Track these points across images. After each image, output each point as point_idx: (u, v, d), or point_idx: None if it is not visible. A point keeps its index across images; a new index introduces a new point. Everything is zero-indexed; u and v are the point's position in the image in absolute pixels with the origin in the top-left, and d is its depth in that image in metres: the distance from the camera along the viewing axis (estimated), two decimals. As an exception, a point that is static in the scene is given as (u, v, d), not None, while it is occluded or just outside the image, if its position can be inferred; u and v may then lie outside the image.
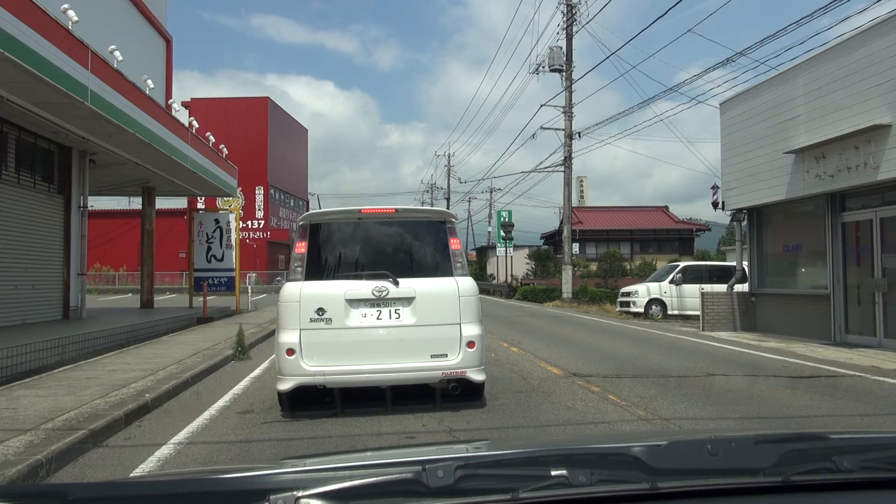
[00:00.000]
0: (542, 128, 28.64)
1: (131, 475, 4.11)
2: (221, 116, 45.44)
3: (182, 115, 16.19)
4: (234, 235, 18.84)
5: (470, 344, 5.72)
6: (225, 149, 19.11)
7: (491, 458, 1.52)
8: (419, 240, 6.11)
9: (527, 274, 40.06)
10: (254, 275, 42.08)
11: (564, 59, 26.90)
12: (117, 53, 11.11)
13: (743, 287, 15.24)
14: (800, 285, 13.63)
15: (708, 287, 16.95)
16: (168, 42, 18.60)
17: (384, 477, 1.24)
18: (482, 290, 10.03)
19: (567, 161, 27.18)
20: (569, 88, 26.91)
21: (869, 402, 6.63)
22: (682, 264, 21.66)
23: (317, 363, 5.54)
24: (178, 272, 40.93)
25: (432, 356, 5.67)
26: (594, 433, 5.36)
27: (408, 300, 5.72)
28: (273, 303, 11.72)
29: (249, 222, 48.83)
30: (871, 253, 11.43)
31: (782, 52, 27.54)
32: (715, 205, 15.75)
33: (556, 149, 30.52)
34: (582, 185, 57.79)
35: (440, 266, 5.97)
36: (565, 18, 26.75)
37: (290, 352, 5.55)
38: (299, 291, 5.65)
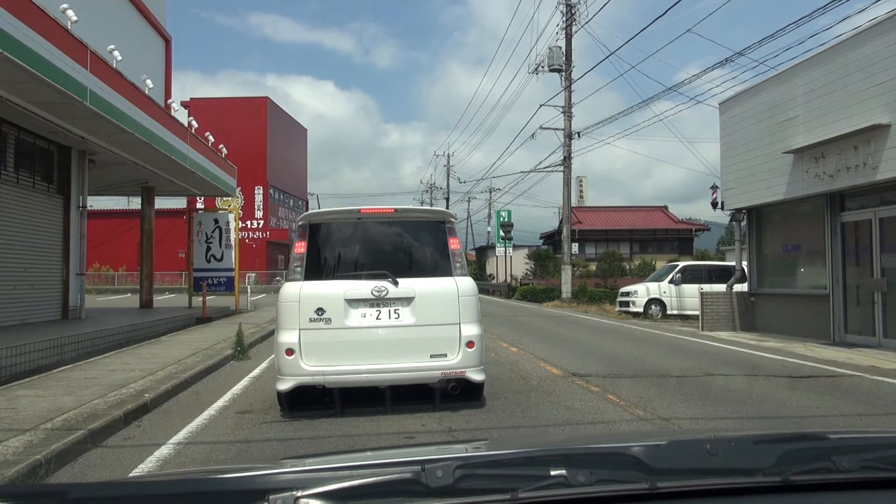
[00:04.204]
0: (541, 128, 28.65)
1: (130, 475, 4.11)
2: (221, 116, 45.36)
3: (181, 115, 16.19)
4: (233, 235, 18.84)
5: (469, 344, 5.72)
6: (224, 148, 19.10)
7: (490, 457, 1.52)
8: (418, 240, 6.11)
9: (526, 274, 40.05)
10: (253, 275, 42.09)
11: (564, 59, 26.90)
12: (116, 53, 11.10)
13: (742, 287, 15.25)
14: (799, 285, 13.64)
15: (707, 287, 16.96)
16: (167, 41, 18.59)
17: (383, 477, 1.24)
18: (481, 290, 10.04)
19: (566, 161, 27.18)
20: (568, 88, 26.91)
21: (868, 402, 6.63)
22: (681, 264, 21.65)
23: (316, 363, 5.54)
24: (178, 272, 40.91)
25: (431, 356, 5.67)
26: (593, 433, 5.36)
27: (407, 300, 5.72)
28: (272, 303, 11.72)
29: (249, 222, 48.80)
30: (870, 253, 11.44)
31: (781, 52, 27.56)
32: (714, 205, 15.77)
33: (556, 149, 30.53)
34: (581, 185, 57.70)
35: (439, 266, 5.97)
36: (564, 18, 26.77)
37: (290, 352, 5.54)
38: (299, 291, 5.65)
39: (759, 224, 14.82)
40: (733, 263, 16.73)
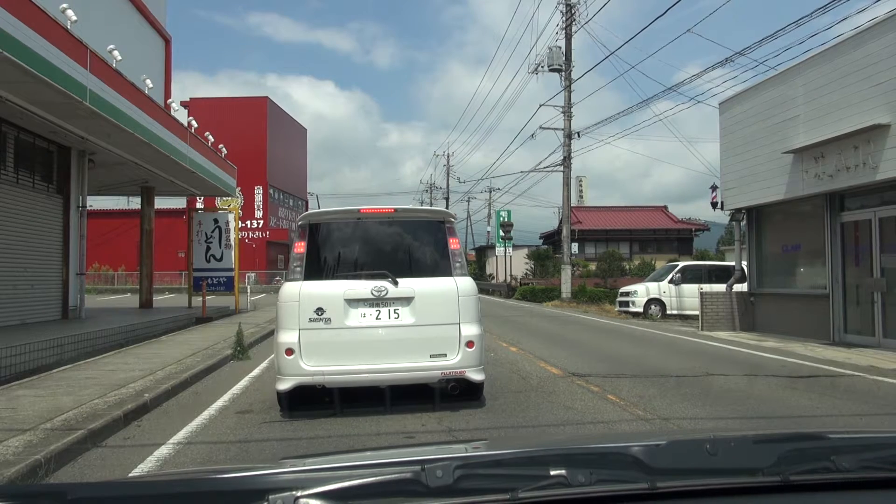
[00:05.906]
0: (541, 127, 28.64)
1: (130, 475, 4.11)
2: (220, 116, 45.30)
3: (181, 115, 16.19)
4: (233, 235, 18.84)
5: (469, 344, 5.72)
6: (224, 148, 19.10)
7: (490, 457, 1.52)
8: (418, 240, 6.11)
9: (526, 274, 40.05)
10: (253, 274, 42.09)
11: (563, 58, 26.89)
12: (116, 53, 11.10)
13: (742, 287, 15.25)
14: (799, 285, 13.64)
15: (707, 287, 16.95)
16: (167, 41, 18.59)
17: (383, 477, 1.24)
18: (481, 290, 10.04)
19: (566, 161, 27.17)
20: (568, 88, 26.91)
21: (867, 402, 6.64)
22: (681, 264, 21.65)
23: (316, 363, 5.54)
24: (177, 272, 40.91)
25: (431, 356, 5.67)
26: (593, 433, 5.36)
27: (407, 300, 5.72)
28: (272, 303, 11.72)
29: (248, 222, 48.79)
30: (869, 253, 11.44)
31: (782, 52, 27.61)
32: (714, 205, 15.76)
33: (556, 148, 30.56)
34: (581, 185, 57.79)
35: (439, 266, 5.97)
36: (564, 18, 26.76)
37: (290, 352, 5.54)
38: (298, 291, 5.65)
39: (758, 224, 14.82)
40: (733, 263, 16.73)
